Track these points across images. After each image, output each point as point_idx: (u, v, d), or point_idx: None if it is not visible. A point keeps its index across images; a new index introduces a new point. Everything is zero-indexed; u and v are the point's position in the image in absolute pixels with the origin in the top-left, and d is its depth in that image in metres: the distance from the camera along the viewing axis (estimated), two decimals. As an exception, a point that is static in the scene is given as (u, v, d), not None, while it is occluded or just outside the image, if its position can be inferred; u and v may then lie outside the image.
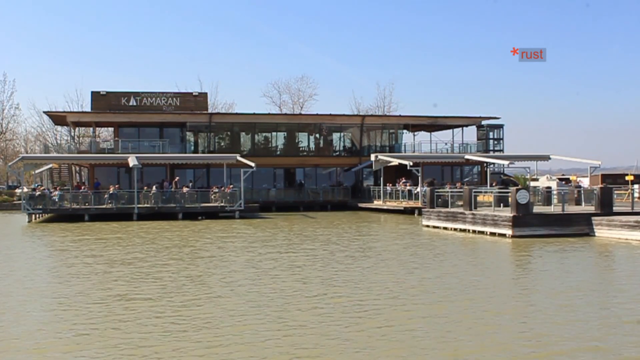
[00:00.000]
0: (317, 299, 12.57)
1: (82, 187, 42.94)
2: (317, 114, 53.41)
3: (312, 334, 9.82)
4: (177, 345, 9.17)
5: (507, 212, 25.19)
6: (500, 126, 56.47)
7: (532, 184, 36.12)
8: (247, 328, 10.17)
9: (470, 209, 27.92)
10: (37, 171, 53.10)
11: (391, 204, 42.87)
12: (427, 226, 30.37)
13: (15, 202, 52.47)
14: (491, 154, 53.50)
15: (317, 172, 51.19)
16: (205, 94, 53.29)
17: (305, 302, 12.30)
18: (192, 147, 49.53)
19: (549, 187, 33.15)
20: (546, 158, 48.22)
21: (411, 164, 42.09)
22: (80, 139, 63.15)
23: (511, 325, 10.52)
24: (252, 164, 40.03)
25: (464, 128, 54.34)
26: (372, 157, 47.07)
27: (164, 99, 48.89)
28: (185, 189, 39.44)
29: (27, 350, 9.09)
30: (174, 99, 49.40)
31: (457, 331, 9.98)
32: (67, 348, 9.21)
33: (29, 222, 36.22)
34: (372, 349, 9.00)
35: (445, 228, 28.91)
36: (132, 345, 9.22)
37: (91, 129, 53.25)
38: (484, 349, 9.04)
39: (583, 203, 30.05)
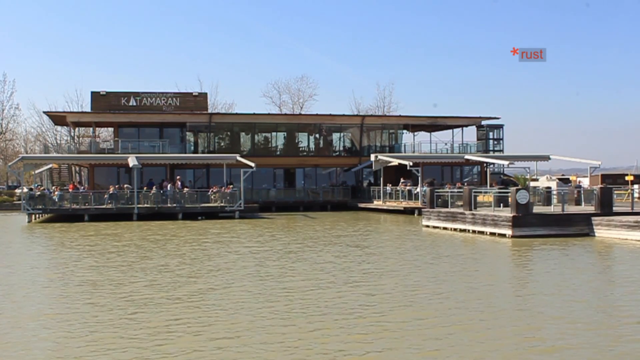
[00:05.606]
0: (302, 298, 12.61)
1: (82, 187, 42.91)
2: (317, 114, 53.44)
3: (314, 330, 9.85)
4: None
5: (507, 212, 25.19)
6: (500, 126, 56.41)
7: (532, 184, 36.17)
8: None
9: (470, 209, 27.92)
10: (37, 171, 53.07)
11: (391, 204, 42.87)
12: (427, 226, 30.37)
13: (15, 202, 52.47)
14: (491, 154, 53.41)
15: (317, 172, 51.22)
16: (205, 94, 53.24)
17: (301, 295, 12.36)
18: (192, 147, 49.53)
19: (549, 187, 33.19)
20: (546, 158, 48.21)
21: (411, 164, 42.09)
22: (80, 139, 63.09)
23: (510, 325, 10.51)
24: (252, 164, 40.05)
25: (464, 128, 54.35)
26: (372, 157, 47.06)
27: (163, 99, 48.87)
28: (185, 189, 39.45)
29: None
30: (174, 99, 49.38)
31: (454, 330, 9.98)
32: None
33: (28, 222, 36.24)
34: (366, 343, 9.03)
35: (445, 228, 28.91)
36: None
37: (91, 129, 53.23)
38: (480, 349, 9.04)
39: (583, 203, 30.06)
